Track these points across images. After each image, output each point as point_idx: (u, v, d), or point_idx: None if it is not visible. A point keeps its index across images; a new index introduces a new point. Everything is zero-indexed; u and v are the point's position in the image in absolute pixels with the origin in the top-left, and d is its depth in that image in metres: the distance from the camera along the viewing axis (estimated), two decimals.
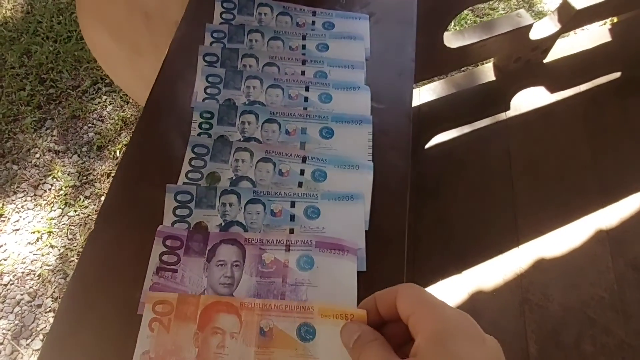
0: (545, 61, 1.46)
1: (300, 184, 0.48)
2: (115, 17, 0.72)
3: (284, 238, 0.44)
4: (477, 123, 1.34)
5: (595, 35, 1.54)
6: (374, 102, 0.54)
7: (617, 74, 1.46)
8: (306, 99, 0.53)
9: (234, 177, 0.48)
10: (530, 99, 1.40)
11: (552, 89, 1.41)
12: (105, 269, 0.43)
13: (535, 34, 1.31)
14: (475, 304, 1.10)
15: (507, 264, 1.16)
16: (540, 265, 1.15)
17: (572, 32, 1.62)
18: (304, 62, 0.56)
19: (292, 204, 0.46)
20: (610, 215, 1.23)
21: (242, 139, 0.50)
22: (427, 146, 1.31)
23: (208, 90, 0.53)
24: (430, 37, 1.11)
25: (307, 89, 0.53)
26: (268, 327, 0.40)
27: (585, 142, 1.33)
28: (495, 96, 1.39)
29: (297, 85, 0.54)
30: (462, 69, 1.49)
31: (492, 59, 1.45)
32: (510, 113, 1.37)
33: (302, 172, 0.48)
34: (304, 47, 0.57)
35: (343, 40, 0.58)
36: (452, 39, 1.18)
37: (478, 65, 1.49)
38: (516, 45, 1.30)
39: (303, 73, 0.55)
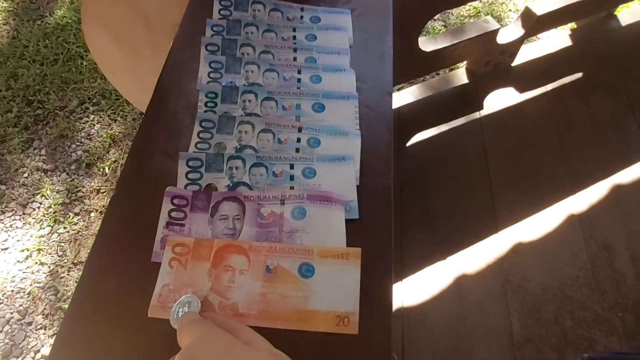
0: (513, 65, 1.58)
1: (297, 150, 0.54)
2: (118, 21, 0.79)
3: (279, 194, 0.50)
4: (454, 122, 1.44)
5: (557, 40, 1.68)
6: (358, 82, 0.61)
7: (579, 75, 1.58)
8: (299, 80, 0.60)
9: (239, 147, 0.54)
10: (501, 99, 1.51)
11: (521, 90, 1.52)
12: (124, 227, 0.49)
13: (502, 39, 1.42)
14: (460, 287, 1.16)
15: (488, 249, 1.23)
16: (519, 250, 1.23)
17: (536, 38, 1.75)
18: (295, 50, 0.63)
19: (292, 166, 0.52)
20: (580, 202, 1.32)
21: (243, 115, 0.56)
22: (408, 144, 1.39)
23: (211, 75, 0.59)
24: (406, 41, 1.20)
25: (299, 72, 0.60)
26: (273, 265, 0.45)
27: (554, 135, 1.44)
28: (469, 97, 1.49)
29: (290, 69, 0.61)
30: (437, 73, 1.60)
31: (464, 64, 1.56)
32: (484, 112, 1.47)
33: (298, 140, 0.54)
34: (294, 37, 0.64)
35: (329, 31, 0.65)
36: (427, 43, 1.28)
37: (452, 70, 1.59)
38: (485, 48, 1.41)
39: (295, 59, 0.62)
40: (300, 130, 0.55)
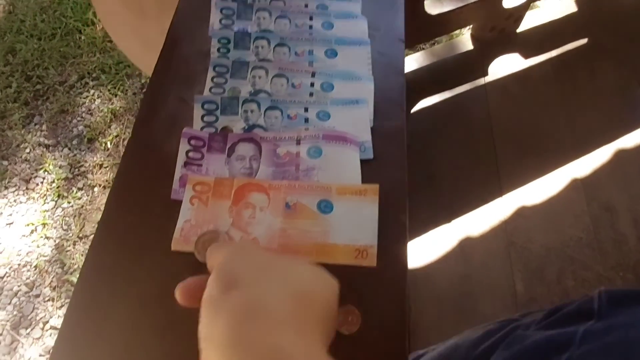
0: (518, 31, 1.57)
1: (311, 94, 0.54)
2: None
3: (294, 134, 0.50)
4: (459, 88, 1.44)
5: (562, 6, 1.66)
6: (370, 30, 0.61)
7: (584, 40, 1.57)
8: (310, 27, 0.60)
9: (253, 91, 0.54)
10: (506, 65, 1.51)
11: (526, 55, 1.52)
12: (143, 166, 0.49)
13: (507, 3, 1.41)
14: (465, 249, 1.18)
15: (492, 212, 1.25)
16: (523, 212, 1.24)
17: (541, 5, 1.73)
18: None
19: (306, 109, 0.52)
20: (583, 165, 1.33)
21: (256, 60, 0.56)
22: (413, 110, 1.39)
23: (223, 22, 0.59)
24: (412, 4, 1.19)
25: (311, 19, 0.60)
26: (292, 202, 0.46)
27: (558, 101, 1.44)
28: (474, 64, 1.49)
29: (302, 16, 0.60)
30: (442, 40, 1.59)
31: (469, 29, 1.55)
32: (489, 78, 1.47)
33: (312, 85, 0.55)
34: None
35: None
36: (432, 6, 1.27)
37: (457, 36, 1.58)
38: (490, 13, 1.40)
39: (306, 6, 0.61)
40: (313, 75, 0.55)
